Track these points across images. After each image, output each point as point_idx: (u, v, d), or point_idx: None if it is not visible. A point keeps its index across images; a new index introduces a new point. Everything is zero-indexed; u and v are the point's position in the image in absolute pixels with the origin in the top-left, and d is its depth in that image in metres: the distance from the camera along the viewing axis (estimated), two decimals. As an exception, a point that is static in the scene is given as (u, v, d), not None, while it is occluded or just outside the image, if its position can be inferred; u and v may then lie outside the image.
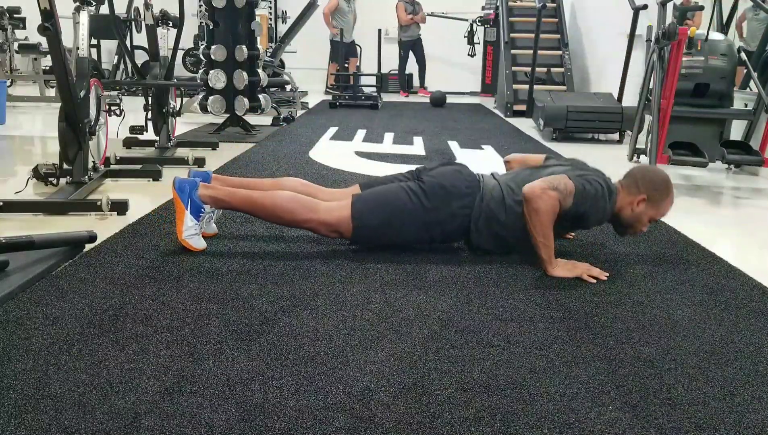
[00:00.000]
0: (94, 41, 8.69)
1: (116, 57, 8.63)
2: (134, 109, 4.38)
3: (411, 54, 9.86)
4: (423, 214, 2.17)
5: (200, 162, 3.79)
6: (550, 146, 5.20)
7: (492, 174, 2.34)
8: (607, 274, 2.09)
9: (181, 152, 4.09)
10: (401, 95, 9.67)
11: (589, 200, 2.11)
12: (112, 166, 3.47)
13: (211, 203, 2.20)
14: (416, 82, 10.35)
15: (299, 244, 2.33)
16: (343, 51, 9.07)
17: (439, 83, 9.86)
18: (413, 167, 2.44)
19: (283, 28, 9.71)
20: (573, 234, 2.55)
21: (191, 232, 2.17)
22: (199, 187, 2.18)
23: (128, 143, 4.27)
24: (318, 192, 2.37)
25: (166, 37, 4.22)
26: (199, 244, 2.19)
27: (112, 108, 3.38)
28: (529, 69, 7.52)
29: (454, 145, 5.09)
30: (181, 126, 5.43)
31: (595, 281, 2.05)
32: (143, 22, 4.11)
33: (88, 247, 2.17)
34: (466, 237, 2.26)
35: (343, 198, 2.26)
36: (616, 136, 5.71)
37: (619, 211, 2.20)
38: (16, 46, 7.83)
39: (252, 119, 5.48)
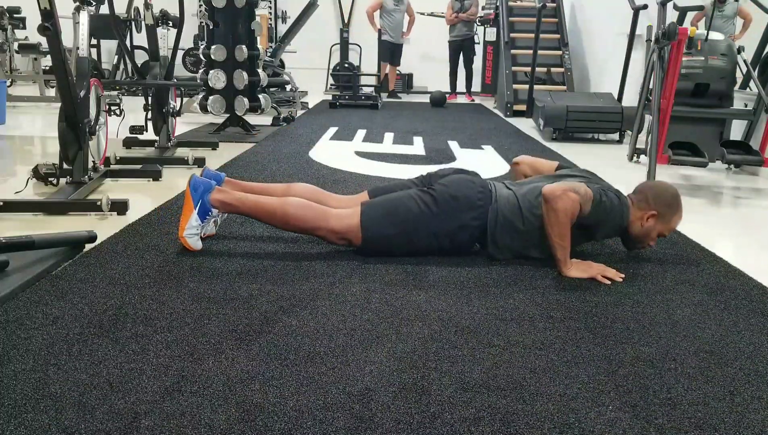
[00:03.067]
0: (94, 41, 8.69)
1: (116, 57, 8.63)
2: (134, 109, 4.38)
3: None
4: (432, 223, 2.16)
5: (200, 162, 3.79)
6: (550, 146, 5.20)
7: (504, 183, 2.32)
8: (623, 276, 2.08)
9: (181, 152, 4.08)
10: (448, 99, 9.10)
11: (605, 211, 2.12)
12: (112, 166, 3.47)
13: (221, 208, 2.20)
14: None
15: (299, 244, 2.33)
16: (388, 51, 8.94)
17: (439, 83, 9.86)
18: (424, 171, 2.42)
19: (283, 28, 9.72)
20: None
21: (193, 231, 2.17)
22: (213, 190, 2.18)
23: (128, 143, 4.27)
24: (328, 199, 2.36)
25: (166, 37, 4.22)
26: (197, 245, 2.19)
27: (112, 108, 3.38)
28: (529, 69, 7.52)
29: (454, 145, 5.09)
30: (181, 126, 5.43)
31: (609, 283, 2.04)
32: (143, 22, 4.11)
33: (88, 247, 2.17)
34: (483, 247, 2.24)
35: (352, 205, 2.26)
36: (616, 136, 5.71)
37: (629, 225, 2.21)
38: (16, 46, 7.83)
39: (252, 119, 5.48)
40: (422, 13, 10.05)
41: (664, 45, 3.70)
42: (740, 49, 4.04)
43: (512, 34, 8.36)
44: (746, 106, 4.16)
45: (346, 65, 10.16)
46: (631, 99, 5.66)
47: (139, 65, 4.27)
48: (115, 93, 7.22)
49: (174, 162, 3.82)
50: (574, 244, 2.16)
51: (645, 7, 5.84)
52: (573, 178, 2.26)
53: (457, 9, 9.17)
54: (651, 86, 3.96)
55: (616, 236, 2.30)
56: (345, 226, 2.16)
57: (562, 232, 2.07)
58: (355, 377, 1.39)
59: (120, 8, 3.88)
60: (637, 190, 2.29)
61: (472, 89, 9.73)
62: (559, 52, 8.10)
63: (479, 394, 1.34)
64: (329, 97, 8.46)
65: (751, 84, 4.52)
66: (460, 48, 9.35)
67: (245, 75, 5.12)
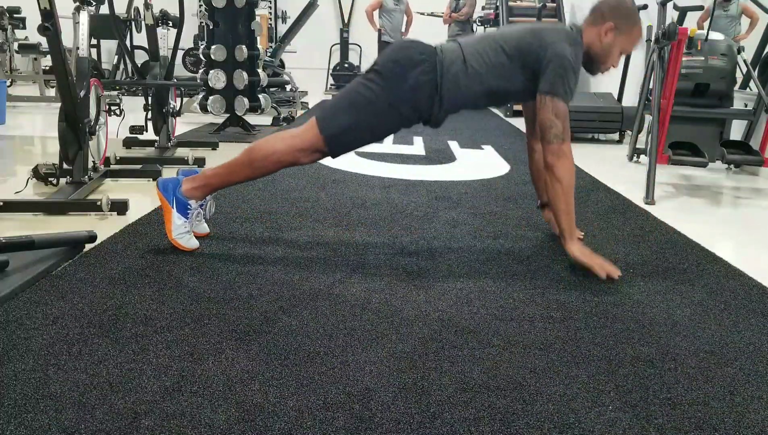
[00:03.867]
0: (94, 41, 8.69)
1: (116, 57, 8.63)
2: (134, 109, 4.38)
3: None
4: (386, 95, 2.08)
5: (200, 162, 3.79)
6: (550, 146, 5.19)
7: (455, 40, 2.25)
8: (620, 274, 2.07)
9: (181, 152, 4.09)
10: None
11: (572, 82, 2.07)
12: (112, 166, 3.47)
13: (194, 195, 2.18)
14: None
15: (299, 244, 2.33)
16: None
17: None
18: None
19: (283, 28, 9.72)
20: (582, 234, 2.53)
21: (181, 230, 2.16)
22: (181, 183, 2.17)
23: (128, 143, 4.27)
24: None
25: (166, 37, 4.22)
26: (191, 243, 2.18)
27: (112, 108, 3.38)
28: (529, 69, 7.51)
29: (454, 144, 5.09)
30: (181, 126, 5.43)
31: (605, 277, 2.03)
32: (143, 22, 4.11)
33: (88, 247, 2.17)
34: (441, 102, 2.14)
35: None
36: (616, 136, 5.72)
37: (588, 47, 2.17)
38: (16, 46, 7.84)
39: (252, 119, 5.48)
40: (422, 13, 10.05)
41: (664, 45, 3.70)
42: (740, 49, 4.04)
43: (512, 34, 8.35)
44: (746, 106, 4.16)
45: (346, 65, 10.16)
46: (631, 99, 5.66)
47: (139, 65, 4.27)
48: (115, 93, 7.22)
49: (174, 162, 3.82)
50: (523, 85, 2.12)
51: (645, 7, 5.83)
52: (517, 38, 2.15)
53: (453, 8, 9.18)
54: (651, 86, 3.96)
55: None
56: (308, 139, 2.10)
57: (567, 199, 2.06)
58: (355, 377, 1.39)
59: (120, 8, 3.88)
60: (592, 10, 2.22)
61: None
62: (559, 52, 8.09)
63: (479, 394, 1.34)
64: (329, 97, 8.46)
65: (751, 84, 4.52)
66: None
67: (245, 75, 5.12)
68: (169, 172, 3.49)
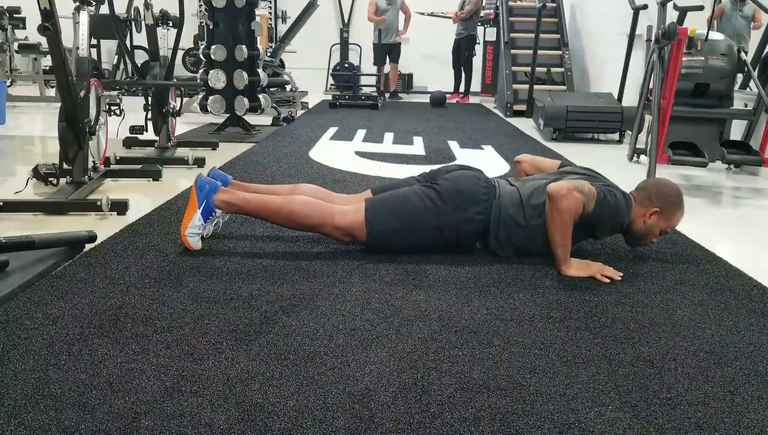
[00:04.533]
0: (94, 41, 8.69)
1: (116, 57, 8.64)
2: (134, 109, 4.37)
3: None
4: (437, 217, 2.16)
5: (200, 162, 3.79)
6: (550, 146, 5.20)
7: (508, 180, 2.33)
8: (621, 274, 2.09)
9: (181, 152, 4.08)
10: (448, 99, 8.99)
11: (608, 209, 2.12)
12: (112, 166, 3.47)
13: (225, 208, 2.20)
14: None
15: (299, 244, 2.33)
16: (380, 53, 8.86)
17: (440, 83, 9.86)
18: (427, 169, 2.42)
19: (283, 28, 9.72)
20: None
21: (194, 230, 2.17)
22: (218, 190, 2.19)
23: (128, 143, 4.27)
24: (333, 197, 2.37)
25: (166, 37, 4.22)
26: (197, 245, 2.20)
27: (112, 108, 3.38)
28: (529, 69, 7.52)
29: (454, 145, 5.09)
30: (181, 126, 5.43)
31: (608, 281, 2.05)
32: (143, 22, 4.11)
33: (88, 247, 2.17)
34: (485, 243, 2.25)
35: (355, 203, 2.26)
36: (616, 136, 5.71)
37: (632, 223, 2.22)
38: (16, 46, 7.84)
39: (252, 119, 5.48)
40: (422, 13, 10.04)
41: (664, 45, 3.69)
42: (740, 50, 4.04)
43: (512, 34, 8.36)
44: (746, 106, 4.16)
45: (346, 65, 10.16)
46: (631, 99, 5.66)
47: (139, 65, 4.27)
48: (115, 93, 7.22)
49: (174, 162, 3.82)
50: (575, 241, 2.16)
51: (645, 7, 5.84)
52: (576, 176, 2.27)
53: (460, 7, 9.16)
54: (651, 86, 3.96)
55: (617, 233, 2.30)
56: (349, 223, 2.16)
57: (564, 231, 2.07)
58: (355, 377, 1.39)
59: (120, 8, 3.88)
60: (640, 188, 2.29)
61: (472, 89, 9.67)
62: (559, 52, 8.11)
63: (479, 394, 1.34)
64: (329, 97, 8.46)
65: (751, 84, 4.52)
66: (458, 47, 9.32)
67: (245, 75, 5.12)
68: (169, 172, 3.50)
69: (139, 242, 2.27)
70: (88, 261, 2.06)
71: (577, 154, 4.79)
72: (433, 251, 2.22)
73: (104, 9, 3.66)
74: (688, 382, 1.43)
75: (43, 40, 2.72)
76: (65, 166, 2.95)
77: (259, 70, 5.32)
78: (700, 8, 5.20)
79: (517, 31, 8.48)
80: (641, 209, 2.21)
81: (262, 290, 1.87)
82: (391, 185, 2.40)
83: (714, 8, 5.17)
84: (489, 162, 4.39)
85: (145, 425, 1.18)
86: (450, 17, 9.49)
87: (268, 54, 7.32)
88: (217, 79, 5.10)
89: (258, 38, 5.48)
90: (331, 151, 4.57)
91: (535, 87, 7.34)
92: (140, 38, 6.28)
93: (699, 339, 1.66)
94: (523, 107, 7.45)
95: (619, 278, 2.07)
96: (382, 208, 2.19)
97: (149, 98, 4.08)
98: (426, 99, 9.03)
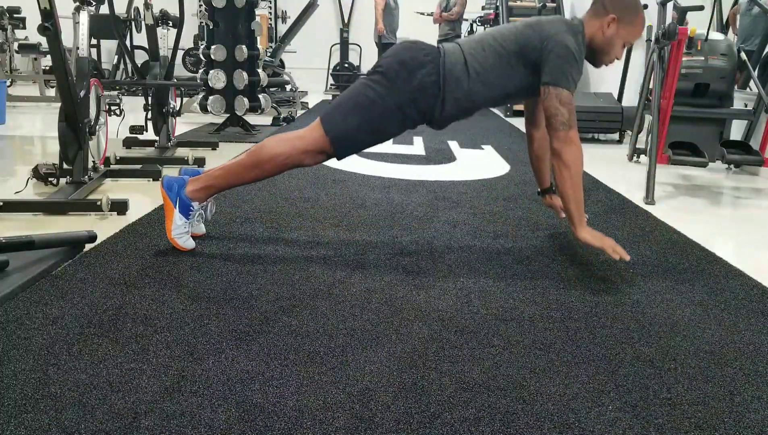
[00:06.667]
0: (94, 41, 8.69)
1: (116, 57, 8.63)
2: (134, 109, 4.38)
3: None
4: (392, 97, 2.08)
5: (200, 162, 3.79)
6: (550, 146, 5.19)
7: (455, 42, 2.24)
8: (629, 258, 2.06)
9: (181, 152, 4.09)
10: None
11: (574, 71, 2.06)
12: (112, 166, 3.47)
13: (198, 196, 2.18)
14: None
15: (299, 244, 2.33)
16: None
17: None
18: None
19: (283, 28, 9.71)
20: (587, 216, 2.49)
21: (180, 230, 2.16)
22: (186, 184, 2.17)
23: (128, 143, 4.27)
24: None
25: (166, 37, 4.22)
26: (188, 244, 2.18)
27: (112, 108, 3.38)
28: (529, 69, 7.50)
29: (453, 144, 5.09)
30: (181, 126, 5.43)
31: (618, 258, 2.02)
32: (143, 22, 4.11)
33: (88, 247, 2.17)
34: (443, 107, 2.13)
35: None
36: (616, 136, 5.72)
37: (590, 40, 2.16)
38: (16, 46, 7.84)
39: (252, 119, 5.48)
40: (422, 13, 10.03)
41: (664, 45, 3.70)
42: (740, 49, 4.04)
43: (512, 34, 8.35)
44: (746, 106, 4.16)
45: (346, 65, 10.16)
46: (631, 99, 5.66)
47: (139, 65, 4.27)
48: (115, 93, 7.22)
49: (174, 162, 3.82)
50: (531, 93, 2.13)
51: (645, 7, 5.83)
52: (526, 30, 2.15)
53: (443, 8, 9.12)
54: (651, 86, 3.96)
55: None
56: (312, 140, 2.10)
57: (576, 185, 2.05)
58: (355, 377, 1.39)
59: (120, 8, 3.88)
60: (593, 1, 2.21)
61: None
62: (559, 52, 8.09)
63: (479, 394, 1.34)
64: (329, 97, 8.46)
65: (751, 84, 4.52)
66: None
67: (245, 75, 5.12)
68: (169, 173, 3.50)
69: (139, 242, 2.27)
70: (88, 261, 2.06)
71: (577, 154, 4.78)
72: (402, 133, 2.17)
73: (104, 9, 3.65)
74: (688, 382, 1.43)
75: (43, 40, 2.72)
76: (65, 166, 2.95)
77: (259, 70, 5.32)
78: (701, 8, 5.20)
79: (517, 31, 8.47)
80: (597, 21, 2.15)
81: (262, 290, 1.87)
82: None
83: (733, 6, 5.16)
84: (489, 162, 4.39)
85: (145, 425, 1.18)
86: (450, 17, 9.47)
87: (268, 54, 7.32)
88: (217, 79, 5.10)
89: (258, 38, 5.48)
90: (331, 151, 4.55)
91: (535, 87, 7.33)
92: (140, 38, 6.28)
93: (699, 339, 1.66)
94: (522, 107, 7.43)
95: (628, 259, 2.04)
96: (336, 112, 2.13)
97: (149, 98, 4.08)
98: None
